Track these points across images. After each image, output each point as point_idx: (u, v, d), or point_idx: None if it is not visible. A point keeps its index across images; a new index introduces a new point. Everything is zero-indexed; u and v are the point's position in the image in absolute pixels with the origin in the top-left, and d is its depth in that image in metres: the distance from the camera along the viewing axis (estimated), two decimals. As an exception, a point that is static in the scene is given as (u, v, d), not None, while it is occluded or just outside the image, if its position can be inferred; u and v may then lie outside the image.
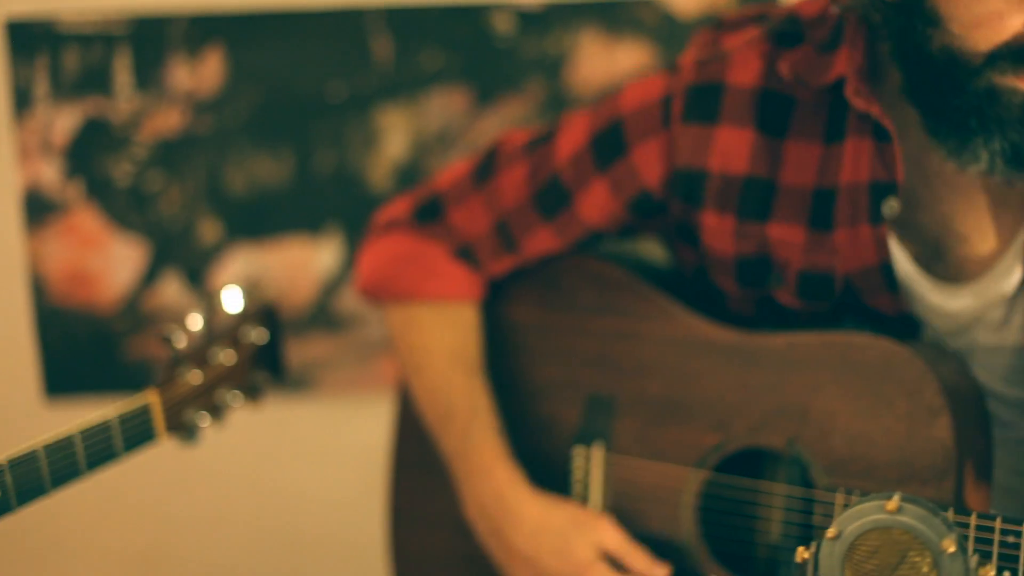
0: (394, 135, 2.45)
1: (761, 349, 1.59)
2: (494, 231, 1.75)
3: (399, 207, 1.83)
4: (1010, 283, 1.53)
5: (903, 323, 1.59)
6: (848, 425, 1.52)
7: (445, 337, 1.76)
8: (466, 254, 1.77)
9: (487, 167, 1.77)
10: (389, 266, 1.81)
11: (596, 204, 1.70)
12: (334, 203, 2.49)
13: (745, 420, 1.59)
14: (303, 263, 2.51)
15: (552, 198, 1.72)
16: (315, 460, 2.61)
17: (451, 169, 1.84)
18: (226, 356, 1.72)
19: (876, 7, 1.48)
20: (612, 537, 1.66)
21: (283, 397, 2.51)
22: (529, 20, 2.40)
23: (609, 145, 1.68)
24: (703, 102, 1.63)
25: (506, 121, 2.41)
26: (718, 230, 1.63)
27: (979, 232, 1.55)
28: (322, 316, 2.53)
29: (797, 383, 1.55)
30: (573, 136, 1.72)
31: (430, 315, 1.78)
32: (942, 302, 1.57)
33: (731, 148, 1.61)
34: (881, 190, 1.54)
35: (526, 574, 1.68)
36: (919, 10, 1.41)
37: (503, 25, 2.41)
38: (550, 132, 1.76)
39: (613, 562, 1.66)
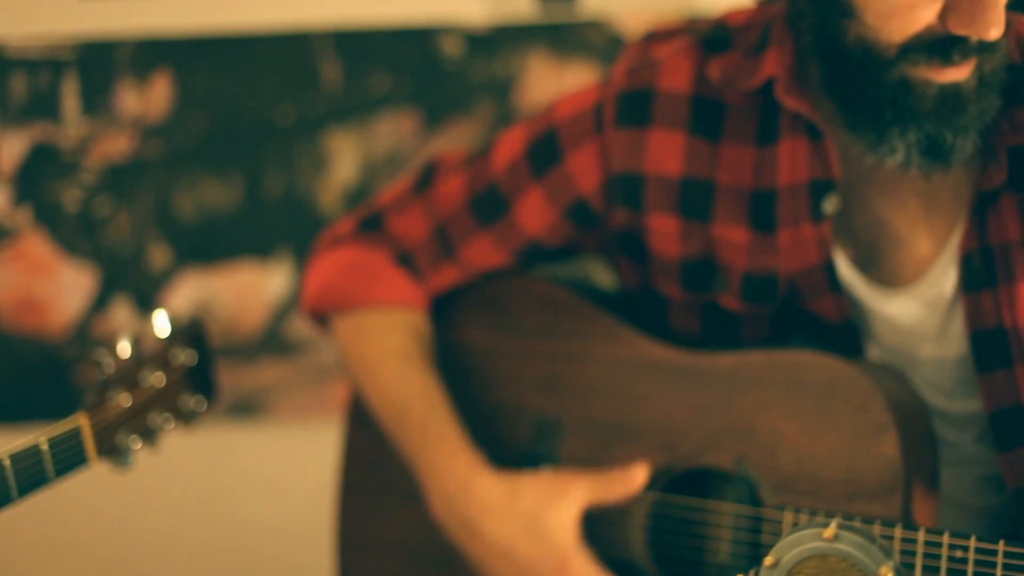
0: (344, 159, 2.44)
1: (708, 369, 1.58)
2: (433, 237, 1.74)
3: (343, 225, 1.83)
4: (946, 287, 1.54)
5: (846, 335, 1.59)
6: (795, 443, 1.51)
7: (396, 339, 1.75)
8: (407, 261, 1.76)
9: (426, 179, 1.78)
10: (334, 277, 1.79)
11: (533, 212, 1.70)
12: (284, 227, 2.47)
13: (693, 440, 1.58)
14: (254, 288, 2.49)
15: (489, 205, 1.72)
16: (268, 486, 2.58)
17: (392, 187, 1.84)
18: (156, 379, 1.70)
19: (794, 2, 1.51)
20: (583, 488, 1.62)
21: (235, 423, 2.49)
22: (477, 42, 2.39)
23: (544, 153, 1.68)
24: (634, 107, 1.63)
25: (455, 143, 2.40)
26: (664, 233, 1.63)
27: (912, 235, 1.55)
28: (273, 341, 2.51)
29: (744, 402, 1.55)
30: (509, 146, 1.73)
31: (379, 319, 1.76)
32: (881, 306, 1.57)
33: (664, 150, 1.61)
34: (820, 188, 1.55)
35: (506, 572, 1.66)
36: (835, 2, 1.42)
37: (451, 48, 2.40)
38: (487, 146, 1.76)
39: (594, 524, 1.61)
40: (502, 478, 1.65)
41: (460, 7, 2.38)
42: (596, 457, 1.65)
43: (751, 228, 1.59)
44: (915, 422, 1.52)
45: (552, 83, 2.40)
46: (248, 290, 2.49)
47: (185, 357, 1.74)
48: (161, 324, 1.73)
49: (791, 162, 1.56)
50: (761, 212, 1.58)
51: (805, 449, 1.51)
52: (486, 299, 1.76)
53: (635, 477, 1.60)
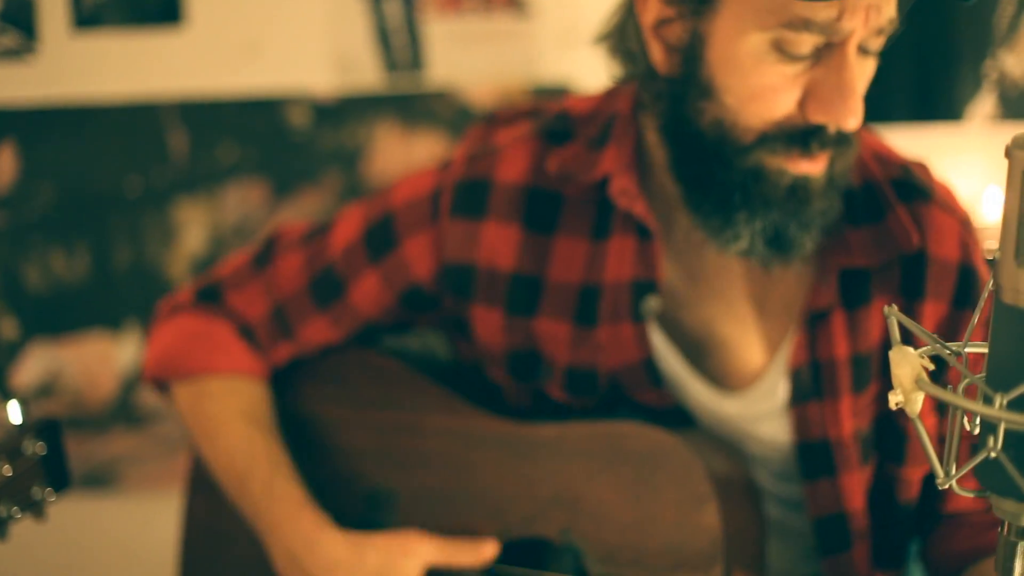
0: (192, 229, 2.39)
1: (534, 440, 1.55)
2: (271, 316, 1.70)
3: (182, 295, 1.78)
4: (776, 399, 1.52)
5: (677, 415, 1.57)
6: (620, 514, 1.49)
7: (239, 402, 1.70)
8: (248, 334, 1.72)
9: (265, 254, 1.73)
10: (176, 345, 1.74)
11: (369, 296, 1.66)
12: (133, 298, 2.41)
13: (521, 510, 1.55)
14: (103, 359, 2.43)
15: (327, 287, 1.68)
16: (119, 556, 2.50)
17: (232, 258, 1.79)
18: (4, 469, 1.63)
19: (650, 81, 1.45)
20: (430, 549, 1.58)
21: (86, 494, 2.42)
22: (325, 113, 2.37)
23: (380, 238, 1.65)
24: (470, 197, 1.59)
25: (304, 213, 2.37)
26: (487, 324, 1.60)
27: (743, 341, 1.53)
28: (123, 412, 2.45)
29: (569, 473, 1.52)
30: (347, 228, 1.68)
31: (221, 386, 1.71)
32: (712, 404, 1.55)
33: (498, 244, 1.58)
34: (642, 288, 1.52)
35: None
36: (694, 80, 1.37)
37: (299, 118, 2.37)
38: (327, 224, 1.72)
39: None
40: (347, 536, 1.61)
41: (307, 78, 2.35)
42: (430, 527, 1.61)
43: (573, 323, 1.56)
44: (738, 493, 1.50)
45: (400, 152, 2.39)
46: (98, 361, 2.43)
47: (36, 448, 1.68)
48: (13, 414, 1.66)
49: (618, 260, 1.53)
50: (585, 307, 1.55)
51: (628, 519, 1.48)
52: (324, 371, 1.72)
53: (485, 550, 1.57)
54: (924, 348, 1.00)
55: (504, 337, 1.59)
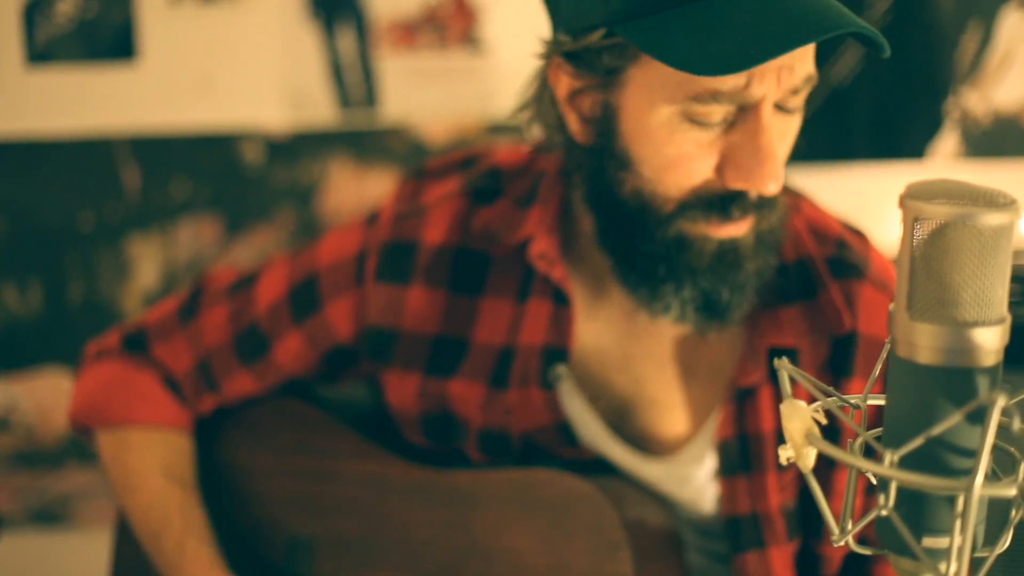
0: (145, 265, 2.33)
1: (450, 487, 1.49)
2: (196, 370, 1.64)
3: (109, 339, 1.71)
4: (702, 468, 1.44)
5: (600, 466, 1.50)
6: (534, 561, 1.42)
7: (160, 456, 1.64)
8: (173, 386, 1.66)
9: (192, 305, 1.66)
10: (101, 392, 1.68)
11: (292, 354, 1.60)
12: (87, 333, 2.33)
13: (437, 558, 1.48)
14: (57, 394, 2.36)
15: (251, 344, 1.61)
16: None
17: (160, 305, 1.73)
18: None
19: (571, 150, 1.38)
20: None
21: (39, 531, 2.35)
22: (278, 149, 2.31)
23: (304, 299, 1.58)
24: (396, 261, 1.52)
25: (257, 249, 2.31)
26: (401, 389, 1.53)
27: (669, 404, 1.46)
28: (77, 448, 2.38)
29: (484, 520, 1.46)
30: (273, 284, 1.61)
31: (143, 437, 1.65)
32: (633, 467, 1.48)
33: (422, 308, 1.50)
34: (553, 355, 1.45)
35: None
36: (611, 151, 1.30)
37: (252, 154, 2.31)
38: (253, 275, 1.65)
39: None
40: None
41: (261, 114, 2.30)
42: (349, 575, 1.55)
43: (487, 385, 1.49)
44: (657, 542, 1.44)
45: (353, 189, 2.33)
46: (51, 397, 2.36)
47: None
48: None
49: (534, 323, 1.46)
50: (500, 370, 1.48)
51: (543, 567, 1.42)
52: (245, 417, 1.66)
53: None
54: (818, 402, 0.94)
55: (417, 402, 1.52)
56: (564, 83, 1.32)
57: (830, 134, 2.39)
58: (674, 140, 1.25)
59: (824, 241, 1.45)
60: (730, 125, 1.25)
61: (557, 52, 1.30)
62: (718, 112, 1.23)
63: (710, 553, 1.51)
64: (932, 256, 0.84)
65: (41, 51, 2.29)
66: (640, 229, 1.31)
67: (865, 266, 1.43)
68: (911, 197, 0.84)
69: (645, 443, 1.48)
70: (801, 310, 1.41)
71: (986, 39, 2.35)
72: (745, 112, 1.23)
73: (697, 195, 1.27)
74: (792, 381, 0.94)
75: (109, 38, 2.29)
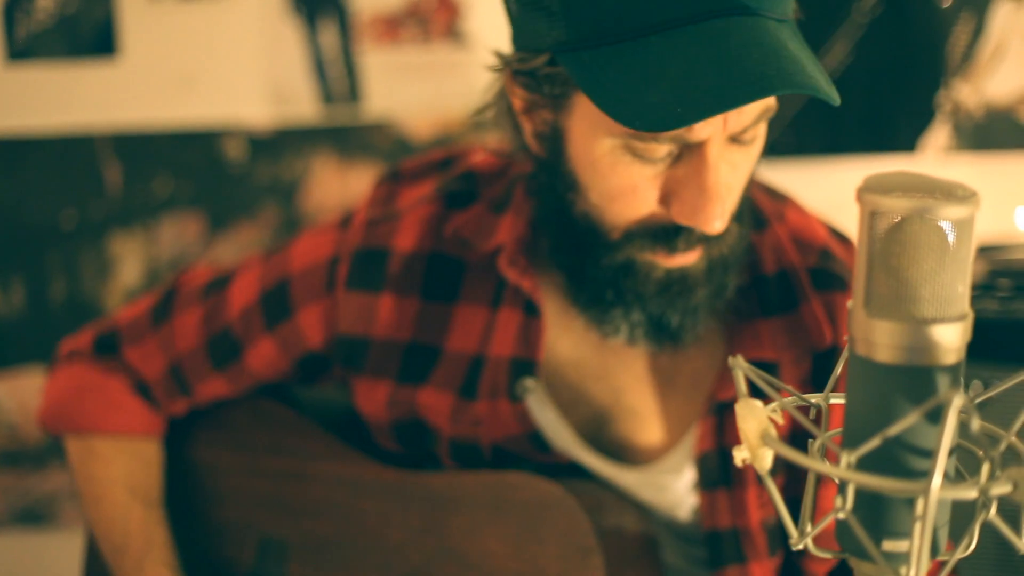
0: (128, 262, 2.31)
1: (422, 489, 1.46)
2: (168, 374, 1.61)
3: (82, 339, 1.69)
4: (681, 482, 1.42)
5: (575, 471, 1.48)
6: (506, 565, 1.39)
7: (124, 468, 1.61)
8: (144, 391, 1.63)
9: (164, 307, 1.63)
10: (69, 397, 1.65)
11: (264, 360, 1.57)
12: (69, 332, 2.31)
13: (410, 561, 1.46)
14: (39, 394, 2.33)
15: (223, 349, 1.58)
16: (56, 596, 2.42)
17: (133, 304, 1.70)
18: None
19: (529, 158, 1.36)
20: None
21: (22, 531, 2.33)
22: (260, 146, 2.29)
23: (275, 305, 1.55)
24: (367, 269, 1.48)
25: (240, 246, 2.29)
26: (371, 397, 1.50)
27: (648, 414, 1.43)
28: (59, 447, 2.35)
29: (456, 523, 1.43)
30: (245, 288, 1.58)
31: (110, 447, 1.63)
32: (610, 475, 1.45)
33: (394, 316, 1.47)
34: (520, 367, 1.42)
35: None
36: (560, 172, 1.28)
37: (234, 151, 2.29)
38: (227, 277, 1.62)
39: None
40: None
41: (243, 110, 2.27)
42: (319, 578, 1.52)
43: (456, 395, 1.45)
44: (632, 547, 1.41)
45: (337, 185, 2.30)
46: (33, 397, 2.34)
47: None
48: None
49: (503, 334, 1.43)
50: (470, 379, 1.45)
51: (513, 571, 1.39)
52: (218, 417, 1.64)
53: None
54: (782, 401, 0.91)
55: (387, 410, 1.50)
56: (518, 96, 1.29)
57: (820, 128, 2.36)
58: (616, 172, 1.21)
59: (807, 252, 1.41)
60: (676, 159, 1.20)
61: (509, 67, 1.27)
62: (661, 149, 1.18)
63: (689, 557, 1.49)
64: (890, 251, 0.81)
65: (21, 48, 2.26)
66: (589, 252, 1.29)
67: (849, 277, 1.39)
68: (868, 190, 0.82)
69: (622, 452, 1.46)
70: (781, 324, 1.38)
71: (978, 31, 2.32)
72: (690, 148, 1.19)
73: (643, 226, 1.24)
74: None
75: (90, 35, 2.26)
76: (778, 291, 1.39)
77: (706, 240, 1.25)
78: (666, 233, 1.24)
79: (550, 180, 1.31)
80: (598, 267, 1.28)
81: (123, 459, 1.62)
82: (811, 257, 1.41)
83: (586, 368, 1.45)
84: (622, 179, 1.21)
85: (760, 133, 1.23)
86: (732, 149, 1.21)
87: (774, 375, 1.37)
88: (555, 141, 1.27)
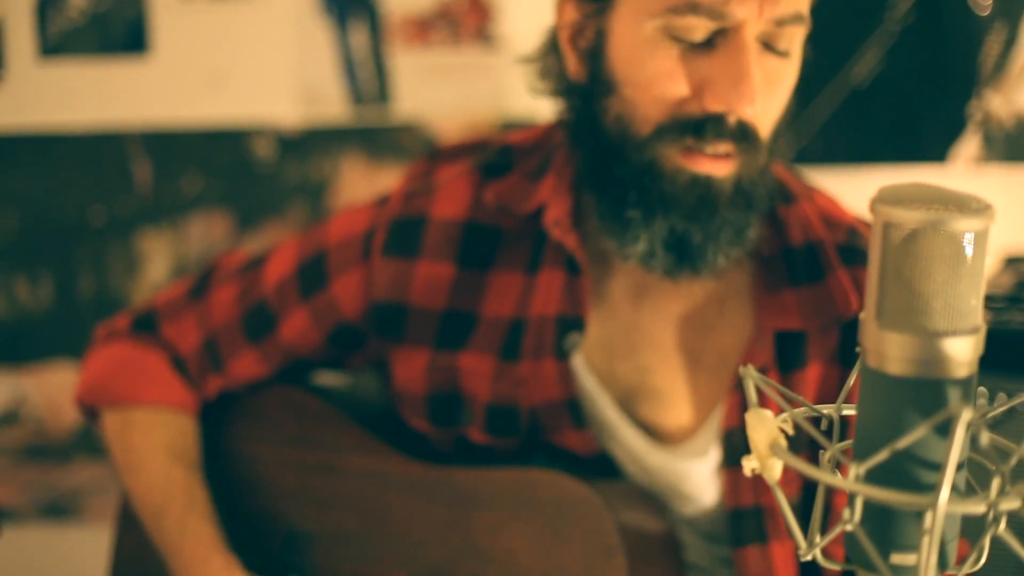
0: (156, 260, 2.33)
1: (448, 485, 1.47)
2: (203, 348, 1.64)
3: (119, 321, 1.72)
4: (707, 459, 1.42)
5: (600, 464, 1.48)
6: (529, 563, 1.40)
7: (164, 436, 1.64)
8: (181, 367, 1.65)
9: (201, 285, 1.67)
10: (108, 371, 1.68)
11: (298, 332, 1.59)
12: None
13: (431, 556, 1.46)
14: (66, 388, 2.35)
15: (258, 322, 1.61)
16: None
17: (170, 287, 1.73)
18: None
19: (568, 95, 1.42)
20: None
21: (48, 525, 2.35)
22: (290, 145, 2.30)
23: (312, 275, 1.58)
24: (404, 236, 1.51)
25: (268, 246, 2.29)
26: (409, 366, 1.52)
27: (675, 393, 1.44)
28: (86, 442, 2.37)
29: (480, 520, 1.44)
30: (281, 262, 1.62)
31: (148, 416, 1.65)
32: (640, 453, 1.45)
33: (431, 283, 1.50)
34: (567, 324, 1.43)
35: None
36: (599, 78, 1.34)
37: (263, 150, 2.30)
38: (264, 255, 1.66)
39: None
40: None
41: (273, 109, 2.28)
42: (346, 570, 1.53)
43: (497, 357, 1.47)
44: (655, 547, 1.41)
45: (365, 185, 2.31)
46: (60, 391, 2.36)
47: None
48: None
49: (546, 294, 1.45)
50: (511, 342, 1.47)
51: (538, 569, 1.39)
52: (248, 406, 1.65)
53: None
54: (792, 411, 0.91)
55: (425, 379, 1.51)
56: (568, 15, 1.36)
57: (849, 136, 2.35)
58: (656, 56, 1.27)
59: (835, 229, 1.43)
60: (712, 48, 1.26)
61: None
62: (699, 28, 1.25)
63: (711, 556, 1.49)
64: (903, 263, 0.81)
65: (53, 44, 2.28)
66: (617, 155, 1.33)
67: None
68: (881, 202, 0.81)
69: (650, 433, 1.46)
70: (808, 294, 1.39)
71: (1011, 41, 2.30)
72: (726, 35, 1.25)
73: (674, 117, 1.29)
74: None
75: (121, 32, 2.28)
76: (806, 262, 1.41)
77: (735, 139, 1.29)
78: (696, 124, 1.28)
79: (587, 94, 1.36)
80: (624, 165, 1.32)
81: (162, 428, 1.64)
82: (839, 234, 1.43)
83: (614, 347, 1.46)
84: (659, 64, 1.28)
85: (795, 47, 1.29)
86: (767, 57, 1.28)
87: (802, 346, 1.39)
88: (597, 50, 1.34)
